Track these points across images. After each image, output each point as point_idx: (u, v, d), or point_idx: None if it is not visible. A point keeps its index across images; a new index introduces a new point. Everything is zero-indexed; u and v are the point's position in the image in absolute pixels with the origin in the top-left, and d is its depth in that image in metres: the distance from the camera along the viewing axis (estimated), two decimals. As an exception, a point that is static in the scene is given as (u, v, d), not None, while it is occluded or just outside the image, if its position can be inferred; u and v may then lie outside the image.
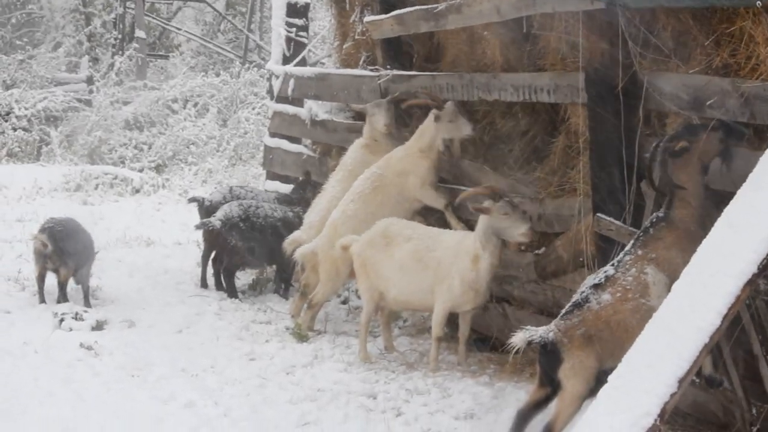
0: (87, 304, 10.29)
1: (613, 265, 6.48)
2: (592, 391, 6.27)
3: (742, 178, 5.63)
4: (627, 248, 6.53)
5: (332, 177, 10.39)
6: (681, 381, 5.16)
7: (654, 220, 6.52)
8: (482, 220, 8.16)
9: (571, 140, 8.15)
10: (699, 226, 6.20)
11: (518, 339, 6.28)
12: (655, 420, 5.11)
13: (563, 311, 6.47)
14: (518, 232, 8.00)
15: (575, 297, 6.48)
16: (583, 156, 7.78)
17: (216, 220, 10.86)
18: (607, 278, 6.40)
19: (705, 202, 6.35)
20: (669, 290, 6.03)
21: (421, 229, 8.78)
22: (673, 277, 6.09)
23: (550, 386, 6.40)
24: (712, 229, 5.57)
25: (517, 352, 6.35)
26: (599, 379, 6.19)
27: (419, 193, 9.43)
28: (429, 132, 9.40)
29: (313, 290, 9.75)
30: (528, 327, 6.39)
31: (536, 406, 6.53)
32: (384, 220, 8.89)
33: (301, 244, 9.85)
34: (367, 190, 9.50)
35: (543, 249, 8.46)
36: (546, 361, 6.38)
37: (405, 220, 8.99)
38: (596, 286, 6.39)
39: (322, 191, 10.38)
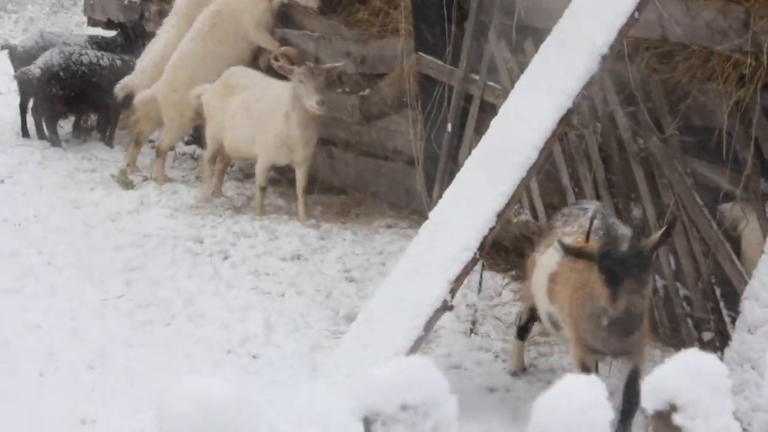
0: None
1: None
2: None
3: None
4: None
5: (166, 22, 10.11)
6: (499, 215, 5.31)
7: None
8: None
9: (392, -21, 8.12)
10: None
11: None
12: (475, 254, 5.28)
13: None
14: (309, 102, 7.94)
15: None
16: (406, -5, 7.76)
17: (35, 68, 10.47)
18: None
19: None
20: None
21: (259, 78, 8.68)
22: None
23: None
24: (527, 69, 5.69)
25: None
26: None
27: (253, 34, 9.28)
28: None
29: (145, 138, 9.63)
30: None
31: None
32: (230, 69, 8.78)
33: (132, 89, 9.64)
34: (205, 28, 9.31)
35: (367, 90, 8.49)
36: None
37: (251, 70, 8.86)
38: None
39: (156, 37, 10.12)
